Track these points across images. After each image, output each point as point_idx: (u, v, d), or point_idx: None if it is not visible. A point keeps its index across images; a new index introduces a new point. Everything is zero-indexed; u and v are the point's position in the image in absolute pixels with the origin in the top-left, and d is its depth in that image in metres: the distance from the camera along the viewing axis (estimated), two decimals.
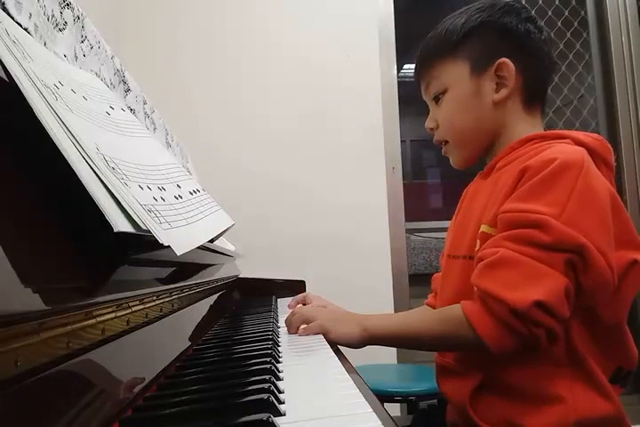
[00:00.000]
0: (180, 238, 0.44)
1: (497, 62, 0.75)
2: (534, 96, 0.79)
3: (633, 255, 0.66)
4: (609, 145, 0.72)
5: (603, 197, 0.64)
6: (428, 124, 0.84)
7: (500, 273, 0.61)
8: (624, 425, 0.66)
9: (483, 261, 0.64)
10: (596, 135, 0.72)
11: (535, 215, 0.61)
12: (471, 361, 0.70)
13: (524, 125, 0.77)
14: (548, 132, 0.75)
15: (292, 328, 0.77)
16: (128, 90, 0.88)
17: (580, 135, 0.71)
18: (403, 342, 0.72)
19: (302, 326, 0.76)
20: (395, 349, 1.90)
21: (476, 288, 0.64)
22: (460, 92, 0.78)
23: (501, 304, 0.60)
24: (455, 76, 0.78)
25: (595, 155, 0.69)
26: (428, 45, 0.83)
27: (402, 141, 2.09)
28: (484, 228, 0.69)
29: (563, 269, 0.60)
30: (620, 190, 2.21)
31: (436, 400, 1.13)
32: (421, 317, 0.74)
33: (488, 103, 0.77)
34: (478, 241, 0.70)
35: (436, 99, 0.81)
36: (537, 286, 0.59)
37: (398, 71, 2.14)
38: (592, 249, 0.60)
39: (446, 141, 0.82)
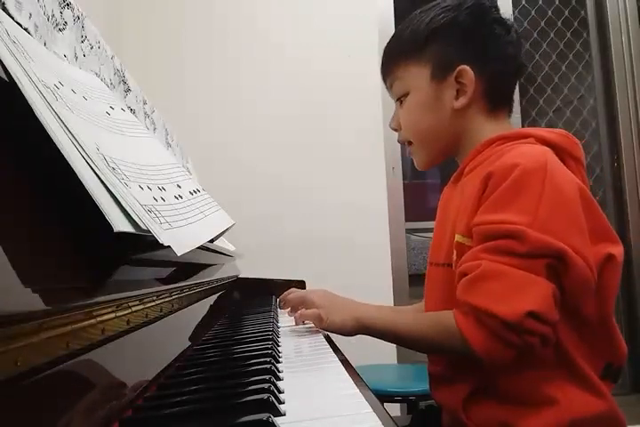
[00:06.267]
0: (180, 238, 0.44)
1: (457, 69, 0.73)
2: (498, 102, 0.77)
3: (608, 249, 0.66)
4: (576, 139, 0.72)
5: (572, 197, 0.63)
6: (391, 124, 0.84)
7: (486, 286, 0.61)
8: (618, 421, 0.66)
9: (466, 275, 0.63)
10: (560, 130, 0.72)
11: (508, 226, 0.61)
12: (463, 368, 0.70)
13: (487, 131, 0.75)
14: (511, 131, 0.74)
15: (287, 305, 0.82)
16: (128, 90, 0.88)
17: (543, 132, 0.70)
18: (393, 338, 0.72)
19: (299, 312, 0.79)
20: (395, 349, 1.90)
21: (461, 302, 0.64)
22: (420, 98, 0.77)
23: (494, 318, 0.59)
24: (416, 79, 0.77)
25: (561, 151, 0.68)
26: (393, 44, 0.81)
27: None
28: (458, 238, 0.69)
29: (546, 275, 0.60)
30: (620, 190, 2.22)
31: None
32: (415, 318, 0.74)
33: (447, 110, 0.75)
34: (455, 251, 0.69)
35: (399, 100, 0.80)
36: (525, 295, 0.59)
37: None
38: (569, 252, 0.59)
39: (410, 142, 0.82)
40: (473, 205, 0.67)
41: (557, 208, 0.62)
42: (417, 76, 0.77)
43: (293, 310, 0.87)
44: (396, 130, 0.84)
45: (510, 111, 0.80)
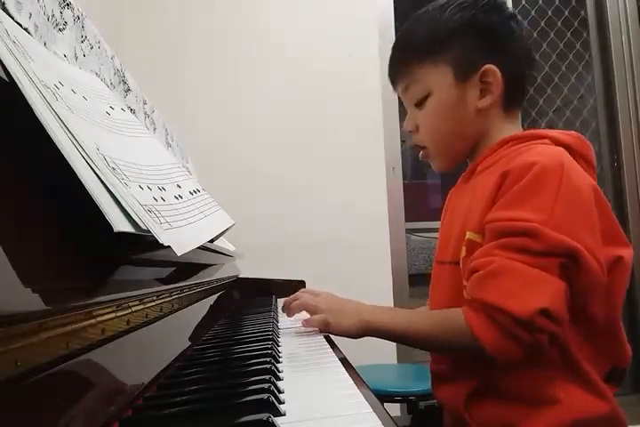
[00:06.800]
0: (180, 238, 0.44)
1: (482, 69, 0.72)
2: (514, 100, 0.77)
3: (618, 252, 0.66)
4: (588, 142, 0.72)
5: (587, 196, 0.64)
6: (408, 126, 0.81)
7: (498, 283, 0.61)
8: (621, 423, 0.66)
9: (477, 271, 0.63)
10: (573, 133, 0.72)
11: (523, 223, 0.61)
12: (466, 367, 0.70)
13: (505, 130, 0.75)
14: (526, 132, 0.74)
15: (291, 313, 0.79)
16: (128, 90, 0.88)
17: (558, 134, 0.71)
18: (402, 339, 0.71)
19: (302, 314, 0.77)
20: (395, 349, 1.90)
21: (472, 299, 0.64)
22: (444, 99, 0.75)
23: (505, 315, 0.59)
24: (438, 80, 0.75)
25: (574, 152, 0.69)
26: (406, 45, 0.79)
27: (402, 141, 2.09)
28: (469, 235, 0.69)
29: (558, 273, 0.60)
30: (621, 190, 2.22)
31: (435, 400, 1.13)
32: (423, 318, 0.73)
33: (472, 110, 0.75)
34: (464, 248, 0.69)
35: (418, 102, 0.78)
36: (538, 293, 0.59)
37: None
38: (583, 251, 0.60)
39: (423, 146, 0.80)
40: (487, 202, 0.67)
41: (573, 208, 0.62)
42: (439, 77, 0.75)
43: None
44: (411, 132, 0.82)
45: (521, 108, 0.80)
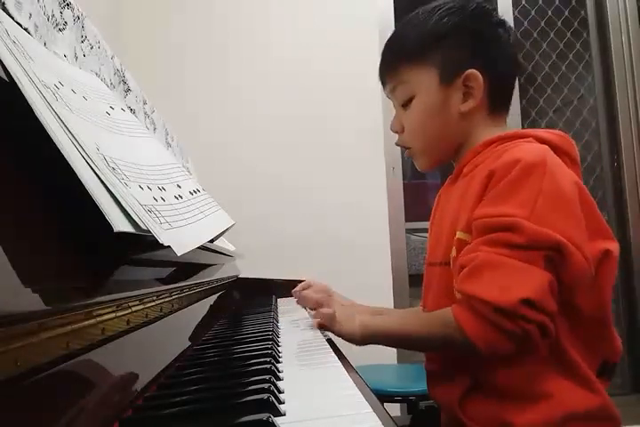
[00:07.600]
0: (180, 238, 0.44)
1: (465, 73, 0.73)
2: (500, 104, 0.78)
3: (605, 245, 0.67)
4: (571, 140, 0.73)
5: (570, 192, 0.64)
6: (394, 127, 0.83)
7: (483, 276, 0.62)
8: (613, 417, 0.66)
9: (464, 268, 0.64)
10: (557, 131, 0.73)
11: (506, 218, 0.62)
12: (459, 365, 0.70)
13: (489, 133, 0.76)
14: (509, 132, 0.75)
15: (304, 301, 0.82)
16: (128, 90, 0.88)
17: (541, 132, 0.72)
18: (398, 341, 0.72)
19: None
20: (394, 349, 1.90)
21: (460, 294, 0.64)
22: (428, 101, 0.77)
23: (488, 305, 0.60)
24: (423, 83, 0.76)
25: (558, 150, 0.70)
26: (395, 47, 0.81)
27: None
28: (459, 234, 0.69)
29: (543, 265, 0.61)
30: (621, 190, 2.21)
31: None
32: (416, 320, 0.73)
33: (454, 113, 0.75)
34: (454, 248, 0.70)
35: (404, 103, 0.79)
36: (521, 283, 0.60)
37: None
38: (567, 244, 0.60)
39: (409, 147, 0.82)
40: (475, 201, 0.67)
41: (556, 202, 0.63)
42: (423, 80, 0.76)
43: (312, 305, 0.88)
44: (396, 132, 0.83)
45: (507, 112, 0.81)
